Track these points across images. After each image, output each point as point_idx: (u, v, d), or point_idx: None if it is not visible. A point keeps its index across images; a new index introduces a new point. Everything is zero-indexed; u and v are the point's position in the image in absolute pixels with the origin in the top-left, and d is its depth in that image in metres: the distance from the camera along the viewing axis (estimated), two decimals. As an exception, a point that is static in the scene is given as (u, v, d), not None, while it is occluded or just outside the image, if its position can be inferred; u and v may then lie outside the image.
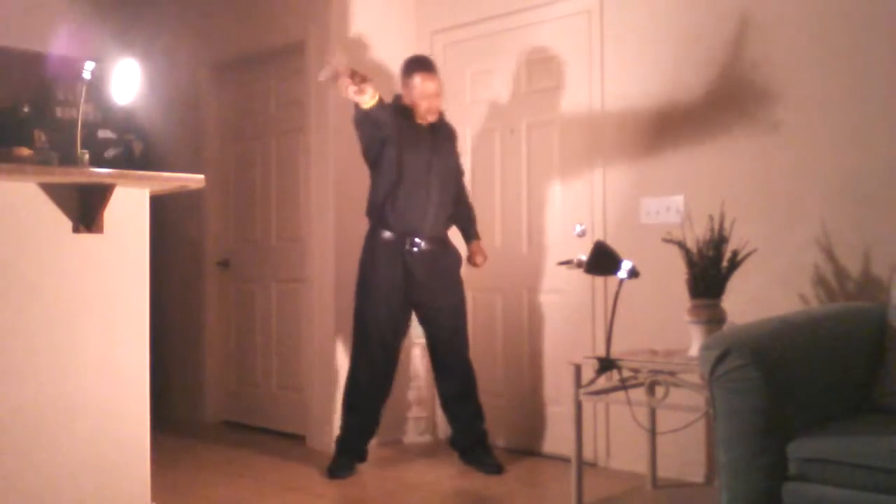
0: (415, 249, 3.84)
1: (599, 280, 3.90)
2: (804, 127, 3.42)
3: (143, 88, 3.69)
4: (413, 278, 3.85)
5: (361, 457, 3.96)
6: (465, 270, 4.07)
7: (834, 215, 3.33)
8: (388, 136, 3.78)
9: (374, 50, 4.58)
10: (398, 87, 4.04)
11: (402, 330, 3.96)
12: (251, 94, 5.10)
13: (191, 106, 5.27)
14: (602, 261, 3.22)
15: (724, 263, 3.03)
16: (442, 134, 3.99)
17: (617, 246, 3.31)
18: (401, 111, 3.88)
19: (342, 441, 3.94)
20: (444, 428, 4.56)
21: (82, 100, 3.26)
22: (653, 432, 3.53)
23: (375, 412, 3.94)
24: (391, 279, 3.83)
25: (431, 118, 3.90)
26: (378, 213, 3.87)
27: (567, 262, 3.42)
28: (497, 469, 3.88)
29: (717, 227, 3.06)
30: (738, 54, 3.60)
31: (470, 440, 3.98)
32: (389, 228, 3.84)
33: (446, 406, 4.04)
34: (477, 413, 3.98)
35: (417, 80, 3.84)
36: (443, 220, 3.94)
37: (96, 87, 4.23)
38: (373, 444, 4.20)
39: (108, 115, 5.20)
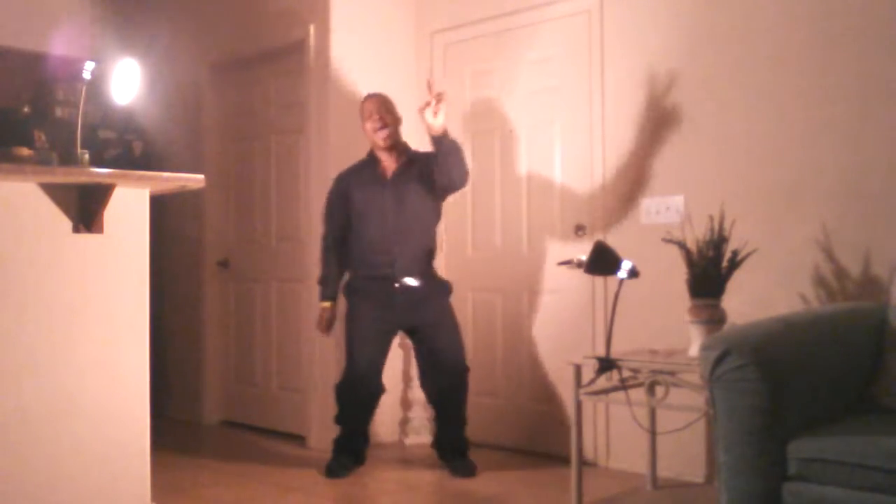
0: (396, 285, 3.83)
1: (599, 280, 3.90)
2: (804, 126, 3.42)
3: (143, 88, 3.69)
4: (396, 309, 3.85)
5: (359, 459, 3.97)
6: (464, 270, 4.07)
7: (834, 215, 3.33)
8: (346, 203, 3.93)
9: (374, 50, 4.58)
10: (397, 89, 4.03)
11: (383, 353, 3.92)
12: (251, 94, 5.10)
13: (191, 106, 5.28)
14: (602, 261, 3.22)
15: (724, 263, 3.03)
16: (409, 175, 3.91)
17: (617, 246, 3.31)
18: (365, 164, 3.98)
19: (337, 441, 3.96)
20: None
21: (82, 100, 3.25)
22: (653, 432, 3.53)
23: (359, 416, 3.94)
24: (372, 310, 3.85)
25: (381, 141, 3.88)
26: (353, 258, 3.95)
27: (567, 262, 3.42)
28: (472, 472, 3.88)
29: (717, 226, 3.05)
30: (737, 53, 3.60)
31: (456, 446, 3.99)
32: (368, 269, 3.88)
33: (438, 410, 4.04)
34: (463, 421, 4.00)
35: (364, 106, 3.94)
36: (421, 257, 3.90)
37: (96, 87, 4.22)
38: (373, 444, 4.20)
39: (108, 115, 5.20)
